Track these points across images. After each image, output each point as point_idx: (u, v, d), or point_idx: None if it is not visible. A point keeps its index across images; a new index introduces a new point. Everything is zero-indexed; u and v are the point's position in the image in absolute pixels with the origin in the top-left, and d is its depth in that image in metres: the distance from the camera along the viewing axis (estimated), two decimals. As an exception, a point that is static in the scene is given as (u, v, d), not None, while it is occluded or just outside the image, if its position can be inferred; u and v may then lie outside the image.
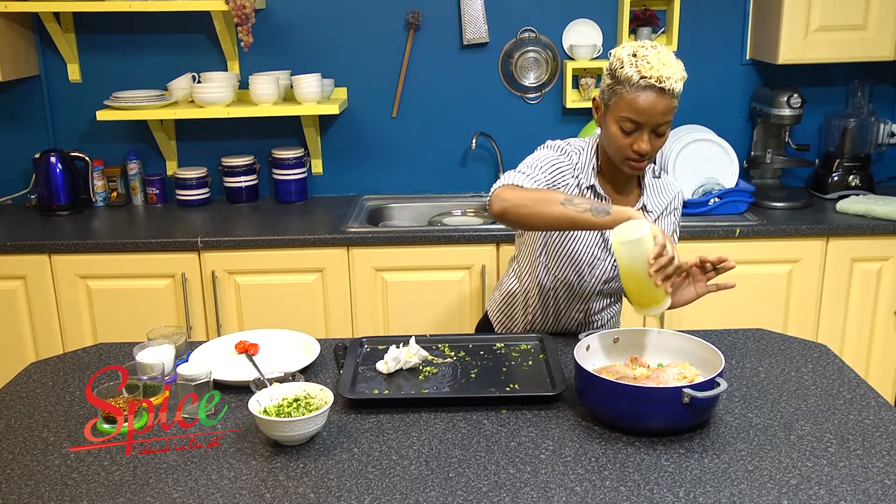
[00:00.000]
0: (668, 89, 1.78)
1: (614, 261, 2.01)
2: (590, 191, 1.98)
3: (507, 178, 1.93)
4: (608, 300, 2.15)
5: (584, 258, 2.03)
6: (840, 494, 1.41)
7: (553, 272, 2.07)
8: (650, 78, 1.77)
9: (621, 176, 1.98)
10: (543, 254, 2.07)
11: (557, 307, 2.12)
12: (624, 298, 2.21)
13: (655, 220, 2.04)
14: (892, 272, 3.06)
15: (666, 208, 2.06)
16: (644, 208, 2.01)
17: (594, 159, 1.99)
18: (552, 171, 1.97)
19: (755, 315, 3.05)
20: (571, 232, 1.99)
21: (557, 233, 2.01)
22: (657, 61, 1.78)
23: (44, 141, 3.49)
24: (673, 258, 1.69)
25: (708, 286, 1.89)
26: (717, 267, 1.87)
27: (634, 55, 1.80)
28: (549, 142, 2.07)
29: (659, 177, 2.07)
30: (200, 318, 3.07)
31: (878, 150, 3.45)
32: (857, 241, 3.03)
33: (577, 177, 1.99)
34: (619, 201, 2.01)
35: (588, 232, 1.99)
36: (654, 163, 2.09)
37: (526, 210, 1.82)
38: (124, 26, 3.38)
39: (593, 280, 2.07)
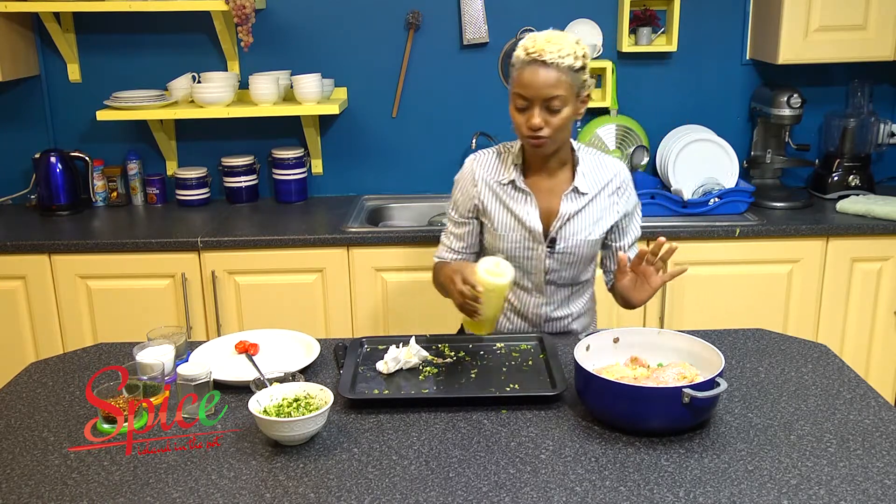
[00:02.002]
0: (551, 62, 1.87)
1: (551, 251, 2.06)
2: (510, 185, 2.04)
3: (438, 251, 2.19)
4: (567, 291, 2.15)
5: (517, 253, 2.07)
6: (840, 494, 1.41)
7: None
8: (532, 53, 1.88)
9: (546, 163, 2.04)
10: (486, 251, 2.14)
11: (515, 305, 2.14)
12: (595, 286, 2.27)
13: (591, 200, 2.07)
14: (892, 272, 3.06)
15: (604, 188, 2.08)
16: (576, 190, 2.05)
17: (520, 155, 2.06)
18: (461, 195, 2.11)
19: (755, 315, 3.05)
20: (499, 232, 2.06)
21: (489, 234, 2.09)
22: (543, 39, 1.90)
23: (44, 141, 3.49)
24: (470, 300, 1.80)
25: (662, 277, 1.93)
26: (660, 253, 1.89)
27: (526, 40, 1.93)
28: (471, 155, 2.15)
29: (574, 165, 2.08)
30: (200, 318, 3.07)
31: (878, 150, 3.45)
32: (857, 241, 3.03)
33: (479, 181, 2.07)
34: (547, 186, 2.06)
35: (512, 230, 2.06)
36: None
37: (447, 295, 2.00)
38: (124, 26, 3.38)
39: (535, 272, 2.09)
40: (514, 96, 1.93)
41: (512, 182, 2.04)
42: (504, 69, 3.43)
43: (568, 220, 2.04)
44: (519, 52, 1.91)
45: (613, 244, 2.15)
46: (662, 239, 1.87)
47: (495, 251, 2.08)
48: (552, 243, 2.05)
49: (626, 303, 2.07)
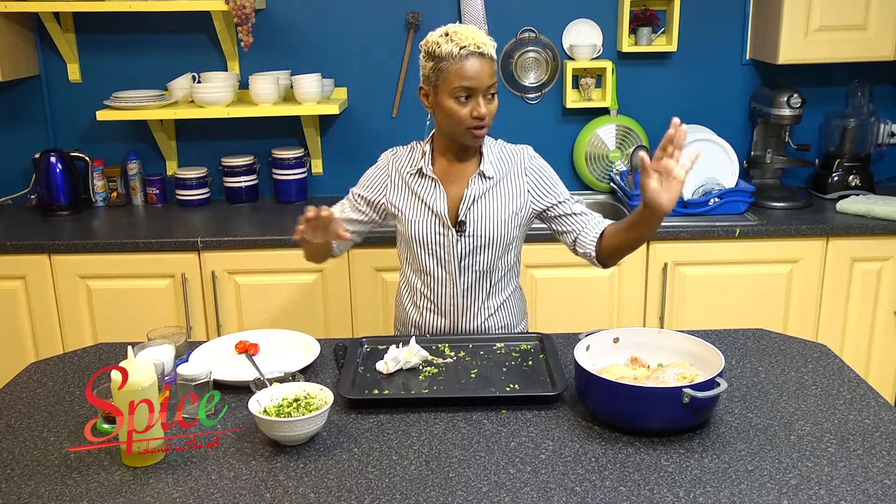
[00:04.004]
0: (487, 53, 1.96)
1: (461, 234, 2.07)
2: (417, 174, 2.11)
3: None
4: (486, 284, 2.13)
5: (429, 238, 2.09)
6: (840, 494, 1.41)
7: (412, 263, 2.16)
8: (469, 46, 1.94)
9: (460, 151, 2.10)
10: (403, 246, 2.18)
11: (431, 300, 2.14)
12: (515, 278, 2.22)
13: (498, 182, 2.10)
14: (892, 272, 3.06)
15: (510, 171, 2.11)
16: (482, 174, 2.09)
17: (429, 146, 2.13)
18: (365, 187, 2.17)
19: (755, 315, 3.05)
20: (409, 218, 2.10)
21: (400, 224, 2.13)
22: (469, 33, 1.97)
23: (44, 141, 3.49)
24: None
25: (684, 167, 1.77)
26: (675, 136, 1.75)
27: (446, 34, 1.97)
28: (387, 151, 2.21)
29: (480, 152, 2.11)
30: (200, 318, 3.07)
31: (878, 150, 3.45)
32: (857, 241, 3.03)
33: (395, 171, 2.14)
34: (456, 172, 2.11)
35: (421, 214, 2.10)
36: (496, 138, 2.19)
37: None
38: (124, 26, 3.38)
39: (448, 258, 2.08)
40: (454, 90, 1.96)
41: (419, 170, 2.11)
42: (504, 69, 3.44)
43: (474, 201, 2.08)
44: (451, 49, 1.94)
45: (556, 210, 2.10)
46: (676, 119, 1.76)
47: (408, 240, 2.12)
48: (461, 226, 2.07)
49: (630, 239, 1.97)
